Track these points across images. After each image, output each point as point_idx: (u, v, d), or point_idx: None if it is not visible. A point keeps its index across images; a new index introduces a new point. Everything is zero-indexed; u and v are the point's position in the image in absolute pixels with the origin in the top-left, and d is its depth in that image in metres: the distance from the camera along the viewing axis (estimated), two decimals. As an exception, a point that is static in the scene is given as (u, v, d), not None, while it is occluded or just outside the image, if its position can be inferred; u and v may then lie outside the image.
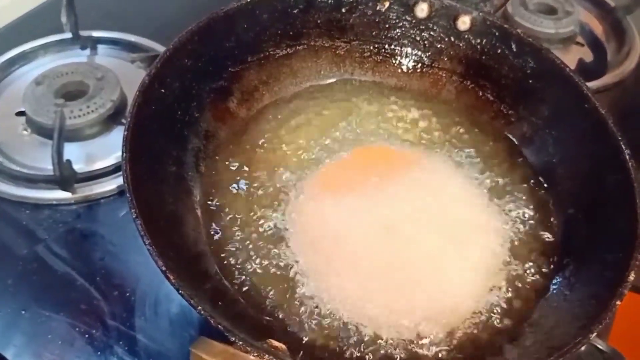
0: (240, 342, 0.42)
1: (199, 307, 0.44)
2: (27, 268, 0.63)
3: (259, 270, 0.57)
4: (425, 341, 0.54)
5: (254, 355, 0.41)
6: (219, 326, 0.43)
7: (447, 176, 0.67)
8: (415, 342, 0.54)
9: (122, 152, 0.52)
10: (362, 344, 0.53)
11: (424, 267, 0.58)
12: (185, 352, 0.57)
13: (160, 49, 0.83)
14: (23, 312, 0.59)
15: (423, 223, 0.61)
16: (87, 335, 0.58)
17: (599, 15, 1.00)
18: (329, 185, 0.64)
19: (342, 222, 0.61)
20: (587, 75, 0.77)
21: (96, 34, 0.86)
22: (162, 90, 0.59)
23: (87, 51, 0.85)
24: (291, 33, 0.71)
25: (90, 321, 0.59)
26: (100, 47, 0.86)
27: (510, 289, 0.58)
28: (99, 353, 0.57)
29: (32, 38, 0.85)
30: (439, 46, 0.73)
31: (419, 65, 0.75)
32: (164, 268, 0.45)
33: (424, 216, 0.62)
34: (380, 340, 0.54)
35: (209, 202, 0.61)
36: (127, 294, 0.61)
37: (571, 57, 0.92)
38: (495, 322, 0.56)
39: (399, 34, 0.74)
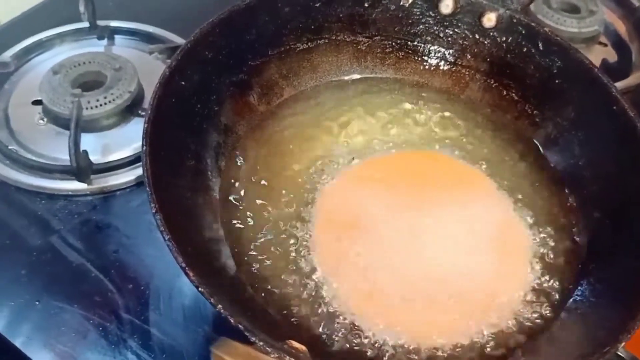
0: (261, 343, 0.41)
1: (219, 306, 0.43)
2: (41, 258, 0.62)
3: (278, 269, 0.56)
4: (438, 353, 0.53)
5: (274, 357, 0.40)
6: (239, 325, 0.42)
7: (473, 180, 0.66)
8: (431, 351, 0.53)
9: (142, 145, 0.51)
10: (379, 347, 0.53)
11: (447, 276, 0.58)
12: (198, 346, 0.57)
13: (178, 40, 0.83)
14: (36, 302, 0.59)
15: (443, 224, 0.61)
16: (100, 328, 0.58)
17: (623, 14, 0.98)
18: (358, 182, 0.64)
19: (368, 226, 0.60)
20: (611, 76, 0.74)
21: (114, 24, 0.86)
22: (182, 83, 0.58)
23: (104, 41, 0.85)
24: (312, 27, 0.70)
25: (104, 314, 0.59)
26: (118, 38, 0.86)
27: (534, 294, 0.57)
28: (113, 346, 0.57)
29: (49, 26, 0.84)
30: (463, 43, 0.72)
31: (442, 62, 0.74)
32: (184, 265, 0.44)
33: (442, 216, 0.62)
34: (394, 344, 0.53)
35: (228, 197, 0.60)
36: (142, 287, 0.61)
37: (594, 57, 0.89)
38: (516, 329, 0.55)
39: (422, 30, 0.73)
